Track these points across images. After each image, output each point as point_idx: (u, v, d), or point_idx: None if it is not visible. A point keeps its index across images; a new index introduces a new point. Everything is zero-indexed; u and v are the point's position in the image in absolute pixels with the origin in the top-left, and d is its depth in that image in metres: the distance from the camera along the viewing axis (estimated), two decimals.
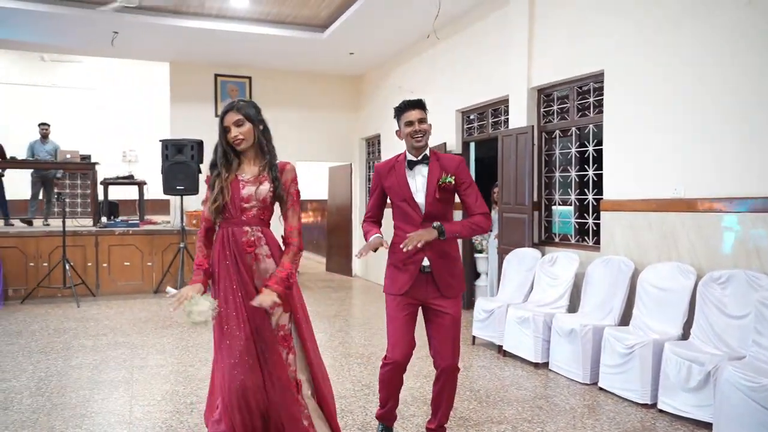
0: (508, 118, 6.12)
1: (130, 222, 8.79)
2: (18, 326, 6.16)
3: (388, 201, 3.04)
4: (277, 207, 2.67)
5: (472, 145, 7.17)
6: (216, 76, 9.46)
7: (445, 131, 7.29)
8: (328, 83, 10.06)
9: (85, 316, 6.73)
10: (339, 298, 8.03)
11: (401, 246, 2.69)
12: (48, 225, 9.02)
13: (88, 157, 8.95)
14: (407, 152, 2.93)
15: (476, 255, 7.15)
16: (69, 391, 4.07)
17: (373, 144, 9.94)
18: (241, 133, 2.57)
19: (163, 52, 8.73)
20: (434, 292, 2.86)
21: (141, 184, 9.89)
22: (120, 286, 8.22)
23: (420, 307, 2.92)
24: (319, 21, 7.67)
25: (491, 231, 6.37)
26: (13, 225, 8.93)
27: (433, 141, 7.42)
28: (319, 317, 6.71)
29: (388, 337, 2.90)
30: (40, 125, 9.72)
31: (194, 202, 8.94)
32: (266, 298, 2.46)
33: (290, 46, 8.26)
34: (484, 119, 6.79)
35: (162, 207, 10.97)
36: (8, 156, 8.78)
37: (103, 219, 9.09)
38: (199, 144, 8.16)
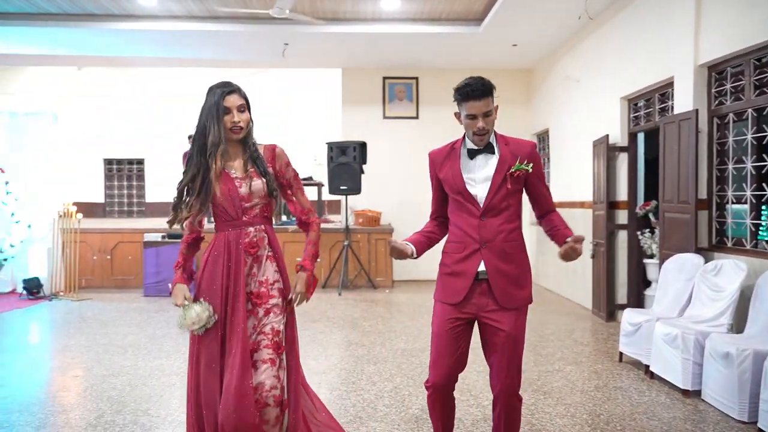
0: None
1: None
2: None
3: None
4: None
5: (640, 137, 6.33)
6: (384, 78, 9.69)
7: (608, 122, 6.55)
8: (494, 78, 9.51)
9: None
10: None
11: None
12: None
13: None
14: (467, 138, 2.55)
15: (645, 260, 6.29)
16: None
17: (543, 139, 9.35)
18: (243, 120, 2.39)
19: (333, 59, 9.18)
20: (490, 303, 2.45)
21: (320, 185, 10.54)
22: (293, 280, 8.82)
23: (475, 322, 2.53)
24: (474, 14, 7.42)
25: None
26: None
27: (595, 133, 6.76)
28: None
29: (430, 355, 2.56)
30: None
31: (359, 201, 9.29)
32: (303, 284, 2.50)
33: (450, 43, 8.13)
34: (651, 106, 5.95)
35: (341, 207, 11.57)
36: None
37: (283, 217, 9.86)
38: (362, 145, 8.43)
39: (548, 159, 8.92)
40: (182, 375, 4.31)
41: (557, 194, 8.29)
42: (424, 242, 2.63)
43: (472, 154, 2.53)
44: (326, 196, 9.56)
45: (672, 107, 5.37)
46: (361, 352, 5.11)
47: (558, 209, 2.66)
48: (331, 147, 8.46)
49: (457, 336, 2.49)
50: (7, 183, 8.11)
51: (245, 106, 2.42)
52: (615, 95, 6.43)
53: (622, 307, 6.04)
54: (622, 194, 6.42)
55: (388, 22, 7.66)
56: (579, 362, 4.79)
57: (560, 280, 8.18)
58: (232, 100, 2.39)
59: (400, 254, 2.51)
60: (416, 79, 9.68)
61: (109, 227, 9.13)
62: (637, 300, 6.30)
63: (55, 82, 12.80)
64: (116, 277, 8.66)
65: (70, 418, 3.55)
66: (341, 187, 8.39)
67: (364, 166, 8.48)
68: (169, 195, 2.78)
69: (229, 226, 2.44)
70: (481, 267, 2.45)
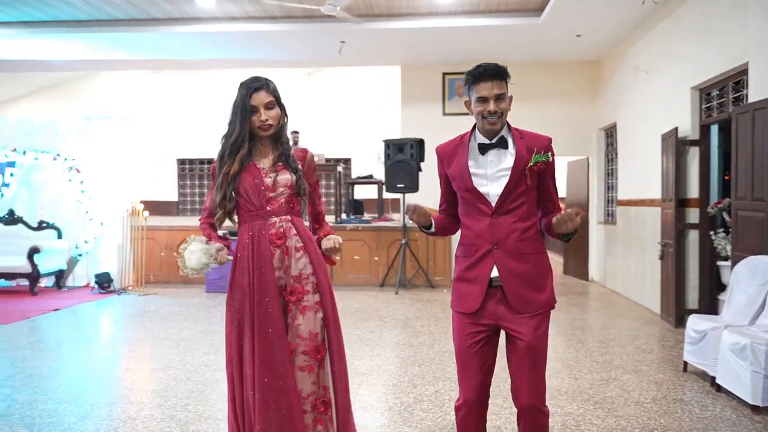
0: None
1: (362, 219, 9.39)
2: None
3: None
4: None
5: (714, 130, 5.87)
6: (444, 74, 9.51)
7: (678, 114, 6.12)
8: (559, 71, 9.30)
9: None
10: (572, 305, 7.32)
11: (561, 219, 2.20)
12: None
13: (332, 159, 9.85)
14: (477, 131, 2.33)
15: (719, 263, 5.82)
16: None
17: (611, 134, 8.89)
18: (271, 117, 2.32)
19: (391, 56, 9.10)
20: (507, 311, 2.25)
21: (380, 184, 10.49)
22: (351, 278, 8.83)
23: (500, 331, 2.34)
24: (533, 4, 7.13)
25: None
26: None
27: (664, 126, 6.33)
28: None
29: (457, 372, 2.37)
30: (291, 133, 11.04)
31: (418, 200, 9.15)
32: (332, 240, 2.42)
33: (509, 35, 7.86)
34: (724, 96, 5.49)
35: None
36: None
37: (343, 215, 9.87)
38: (419, 142, 8.30)
39: (615, 155, 8.47)
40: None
41: (625, 192, 7.85)
42: (443, 219, 2.47)
43: (483, 149, 2.31)
44: (386, 194, 9.49)
45: (746, 96, 4.93)
46: (407, 353, 4.99)
47: (625, 207, 2.42)
48: (388, 145, 8.39)
49: (480, 351, 2.29)
50: (82, 182, 8.52)
51: (274, 102, 2.34)
52: (685, 85, 5.99)
53: (693, 312, 5.62)
54: (694, 191, 5.97)
55: (444, 17, 7.48)
56: (639, 371, 4.48)
57: (628, 283, 7.74)
58: (259, 98, 2.32)
59: (421, 216, 2.30)
60: None
61: (176, 224, 9.45)
62: (710, 305, 5.85)
63: (129, 86, 13.39)
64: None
65: (112, 410, 3.64)
66: (398, 185, 8.30)
67: (422, 164, 8.35)
68: None
69: (253, 217, 2.37)
70: (495, 272, 2.25)
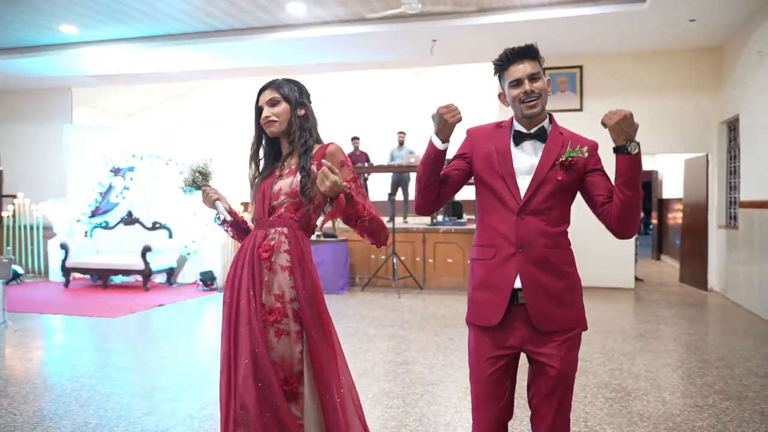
0: None
1: (456, 221, 9.17)
2: (341, 309, 7.10)
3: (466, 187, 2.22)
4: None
5: None
6: (544, 69, 9.03)
7: None
8: (671, 61, 8.50)
9: (397, 306, 7.29)
10: (681, 317, 6.67)
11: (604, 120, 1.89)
12: (407, 222, 10.09)
13: None
14: (515, 121, 2.08)
15: None
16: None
17: (734, 128, 7.97)
18: (274, 113, 2.18)
19: (486, 52, 8.74)
20: (533, 332, 1.99)
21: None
22: (444, 281, 8.65)
23: (521, 355, 2.08)
24: None
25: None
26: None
27: None
28: (668, 338, 5.73)
29: (471, 399, 2.12)
30: (398, 133, 11.06)
31: None
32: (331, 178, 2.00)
33: (613, 24, 7.29)
34: None
35: None
36: (372, 162, 10.26)
37: (439, 217, 9.71)
38: None
39: (738, 151, 7.59)
40: None
41: (749, 193, 7.01)
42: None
43: (518, 139, 2.05)
44: None
45: None
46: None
47: (749, 209, 2.05)
48: None
49: (500, 380, 2.04)
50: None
51: (279, 99, 2.20)
52: None
53: None
54: None
55: (540, 8, 7.09)
56: (742, 398, 3.92)
57: (751, 295, 6.90)
58: (263, 97, 2.23)
59: (454, 114, 1.98)
60: (580, 67, 8.87)
61: None
62: None
63: (240, 93, 14.09)
64: None
65: (176, 406, 3.77)
66: None
67: None
68: None
69: (257, 226, 2.22)
70: (518, 283, 1.98)
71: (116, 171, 9.51)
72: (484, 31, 7.60)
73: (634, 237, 8.54)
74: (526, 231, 1.98)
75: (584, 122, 8.67)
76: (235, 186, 9.43)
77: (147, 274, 8.51)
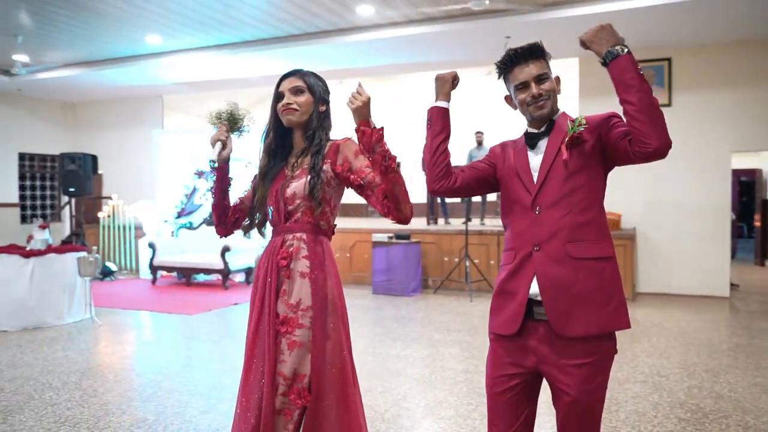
0: None
1: None
2: (410, 312, 7.02)
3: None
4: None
5: None
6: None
7: None
8: None
9: (467, 311, 7.12)
10: None
11: None
12: (483, 224, 9.84)
13: None
14: (527, 125, 1.99)
15: None
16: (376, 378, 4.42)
17: None
18: (297, 102, 2.06)
19: (565, 47, 8.32)
20: (550, 351, 1.80)
21: None
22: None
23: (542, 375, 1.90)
24: None
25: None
26: (449, 224, 10.21)
27: None
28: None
29: (487, 415, 1.99)
30: (476, 133, 10.83)
31: None
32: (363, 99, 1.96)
33: (705, 11, 6.74)
34: None
35: None
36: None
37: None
38: None
39: None
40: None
41: None
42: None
43: (531, 140, 1.94)
44: None
45: None
46: None
47: None
48: None
49: (512, 401, 1.90)
50: None
51: (304, 88, 2.08)
52: None
53: None
54: None
55: None
56: None
57: None
58: (286, 84, 2.11)
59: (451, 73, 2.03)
60: (668, 60, 8.29)
61: (348, 227, 9.83)
62: None
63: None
64: (354, 273, 9.30)
65: (231, 407, 3.80)
66: None
67: None
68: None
69: (275, 233, 2.15)
70: (534, 288, 1.82)
71: (200, 174, 9.92)
72: (560, 24, 7.26)
73: (728, 238, 7.91)
74: (543, 227, 1.84)
75: (674, 117, 8.12)
76: None
77: (226, 273, 8.81)
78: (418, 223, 10.06)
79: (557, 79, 1.94)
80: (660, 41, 7.95)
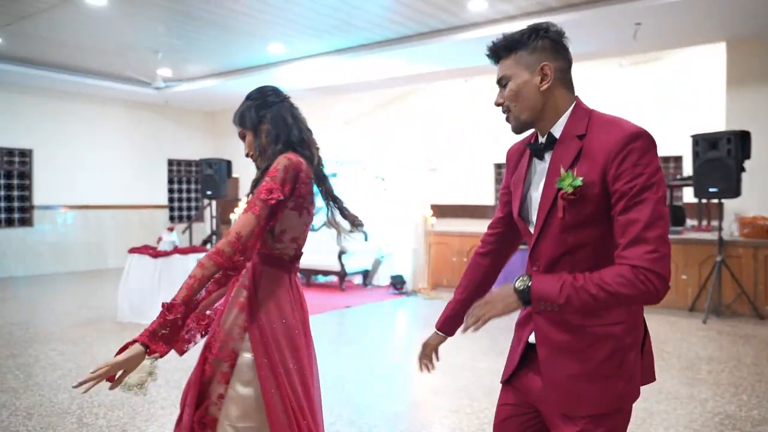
0: None
1: (672, 230, 7.97)
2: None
3: None
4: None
5: None
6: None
7: None
8: None
9: None
10: None
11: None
12: None
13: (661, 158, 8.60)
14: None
15: None
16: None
17: None
18: (248, 147, 2.06)
19: (711, 30, 7.45)
20: (546, 400, 1.52)
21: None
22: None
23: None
24: None
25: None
26: None
27: None
28: None
29: None
30: None
31: (748, 207, 7.35)
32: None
33: None
34: None
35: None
36: None
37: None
38: (740, 136, 6.60)
39: None
40: (431, 391, 4.13)
41: None
42: (450, 317, 1.91)
43: (537, 152, 1.55)
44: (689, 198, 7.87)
45: None
46: (662, 407, 3.96)
47: None
48: (697, 140, 6.90)
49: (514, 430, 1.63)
50: (385, 190, 9.30)
51: (242, 132, 2.07)
52: None
53: None
54: None
55: None
56: None
57: None
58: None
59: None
60: None
61: (468, 230, 9.54)
62: None
63: (446, 94, 14.10)
64: None
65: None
66: (710, 189, 6.76)
67: (746, 162, 6.65)
68: None
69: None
70: (532, 338, 1.55)
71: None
72: (700, 5, 6.45)
73: None
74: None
75: None
76: (436, 188, 9.47)
77: (342, 275, 8.93)
78: None
79: (543, 67, 1.47)
80: None
